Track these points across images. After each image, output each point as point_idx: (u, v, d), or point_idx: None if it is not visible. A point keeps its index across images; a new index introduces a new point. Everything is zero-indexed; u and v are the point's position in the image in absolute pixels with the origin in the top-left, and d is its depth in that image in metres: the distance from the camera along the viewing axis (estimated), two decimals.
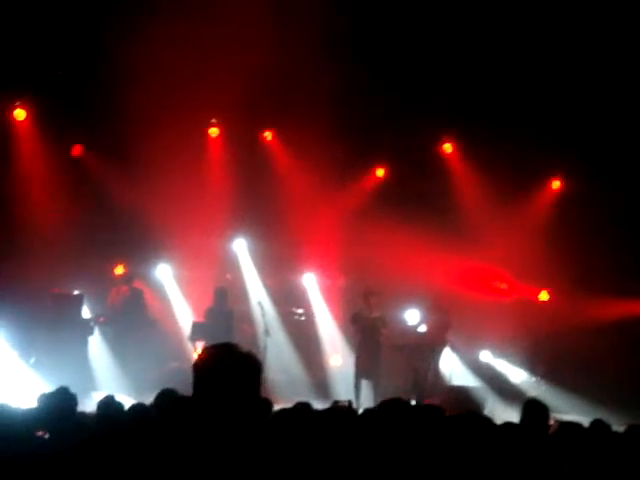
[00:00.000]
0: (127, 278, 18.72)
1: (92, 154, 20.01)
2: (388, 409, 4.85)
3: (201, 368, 4.12)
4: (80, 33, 18.43)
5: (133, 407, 7.59)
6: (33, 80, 18.65)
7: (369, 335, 17.36)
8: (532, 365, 19.61)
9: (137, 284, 18.85)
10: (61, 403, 7.06)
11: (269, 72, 18.12)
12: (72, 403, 7.22)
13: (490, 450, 4.78)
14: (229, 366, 4.06)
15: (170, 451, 4.10)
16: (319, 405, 6.59)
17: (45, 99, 18.94)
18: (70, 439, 5.85)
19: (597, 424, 7.44)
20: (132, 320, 17.93)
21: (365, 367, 17.25)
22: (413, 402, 14.82)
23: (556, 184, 20.57)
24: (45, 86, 18.83)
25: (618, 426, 7.60)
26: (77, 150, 19.95)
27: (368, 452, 4.68)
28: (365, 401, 16.36)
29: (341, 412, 5.70)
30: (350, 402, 6.87)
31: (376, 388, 16.80)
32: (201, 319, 18.33)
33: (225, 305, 18.29)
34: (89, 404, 11.21)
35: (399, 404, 4.91)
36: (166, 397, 7.49)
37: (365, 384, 17.29)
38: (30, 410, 7.39)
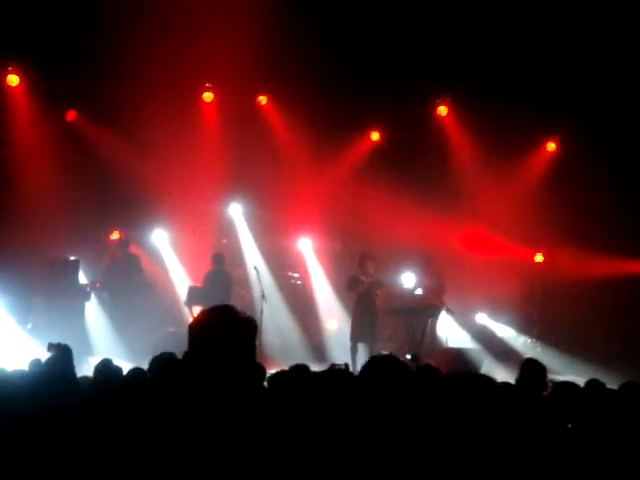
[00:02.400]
0: (123, 243, 18.71)
1: (86, 119, 19.91)
2: (380, 366, 4.84)
3: (197, 329, 4.13)
4: None
5: (131, 371, 7.61)
6: (26, 46, 18.55)
7: (365, 299, 17.40)
8: (527, 326, 19.68)
9: (133, 249, 18.84)
10: (58, 365, 7.08)
11: (263, 37, 18.05)
12: (69, 365, 7.23)
13: (488, 409, 4.79)
14: (225, 328, 4.07)
15: (166, 414, 4.10)
16: (316, 369, 6.59)
17: (38, 64, 18.83)
18: (66, 402, 5.86)
19: (592, 384, 7.47)
20: (128, 285, 17.95)
21: (361, 330, 17.28)
22: (410, 361, 14.85)
23: (551, 146, 20.52)
24: (38, 51, 18.72)
25: (613, 385, 7.62)
26: (71, 115, 19.86)
27: (365, 412, 4.69)
28: (360, 365, 16.39)
29: (338, 374, 5.71)
30: (347, 365, 6.87)
31: (372, 352, 16.81)
32: (198, 284, 18.36)
33: (223, 270, 18.33)
34: (86, 369, 11.23)
35: (390, 361, 4.91)
36: (163, 361, 7.50)
37: (361, 348, 17.33)
38: (27, 373, 7.40)
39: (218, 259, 18.36)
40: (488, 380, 4.95)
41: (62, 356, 7.19)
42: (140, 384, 7.06)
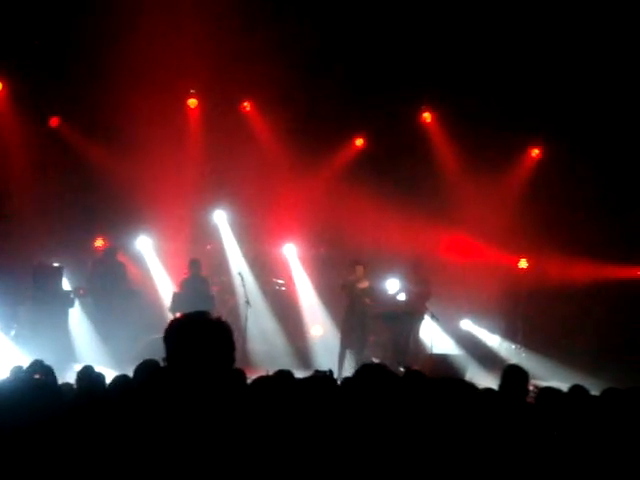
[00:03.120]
0: (109, 251, 18.71)
1: (70, 125, 19.89)
2: (367, 375, 4.86)
3: (168, 337, 4.15)
4: (57, 3, 18.31)
5: (116, 378, 7.60)
6: (9, 51, 18.52)
7: (356, 306, 17.39)
8: (512, 332, 19.72)
9: (120, 257, 18.82)
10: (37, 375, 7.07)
11: (247, 43, 18.08)
12: (48, 376, 7.21)
13: (470, 415, 4.81)
14: (194, 333, 4.10)
15: (150, 421, 4.11)
16: (300, 374, 6.59)
17: (22, 70, 18.80)
18: (47, 410, 5.85)
19: (576, 389, 7.50)
20: (113, 292, 17.91)
21: (351, 337, 17.27)
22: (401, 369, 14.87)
23: (535, 152, 20.59)
24: (21, 57, 18.69)
25: (596, 391, 7.65)
26: (54, 122, 19.82)
27: (349, 417, 4.70)
28: (346, 371, 16.42)
29: (321, 380, 5.72)
30: (330, 371, 6.88)
31: (359, 358, 16.82)
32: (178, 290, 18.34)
33: (200, 276, 18.29)
34: (70, 376, 11.20)
35: (378, 370, 4.93)
36: (147, 369, 7.48)
37: (348, 354, 17.33)
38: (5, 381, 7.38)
39: (194, 265, 18.31)
40: (469, 386, 4.97)
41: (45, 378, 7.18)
42: (125, 391, 7.04)
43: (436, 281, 18.56)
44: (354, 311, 17.39)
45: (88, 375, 7.61)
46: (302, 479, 4.33)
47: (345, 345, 17.31)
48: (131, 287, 18.69)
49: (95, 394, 6.96)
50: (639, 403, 6.81)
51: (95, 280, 18.15)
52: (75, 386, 7.83)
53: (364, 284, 17.43)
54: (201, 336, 4.10)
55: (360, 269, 17.44)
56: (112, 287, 17.92)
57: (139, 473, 3.94)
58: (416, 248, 19.12)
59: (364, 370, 4.95)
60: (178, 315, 17.29)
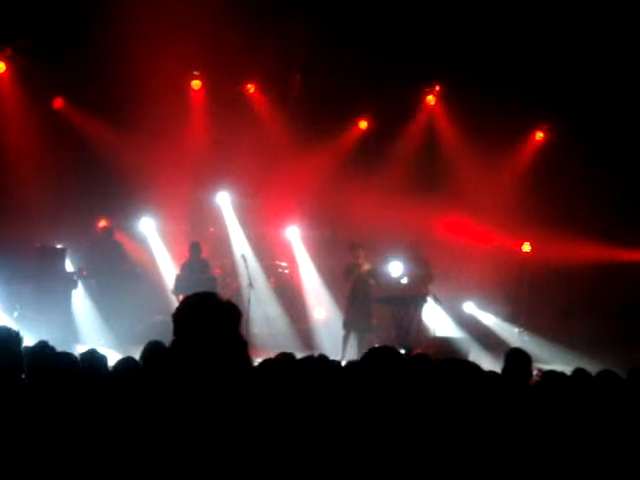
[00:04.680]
0: (106, 231, 18.70)
1: (74, 107, 19.86)
2: (376, 358, 4.85)
3: (179, 317, 4.14)
4: None
5: (123, 360, 7.59)
6: (12, 33, 18.48)
7: (360, 288, 17.40)
8: (515, 316, 19.72)
9: (119, 236, 18.81)
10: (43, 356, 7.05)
11: (250, 24, 18.04)
12: (53, 356, 7.21)
13: (476, 397, 4.81)
14: (206, 314, 4.09)
15: (157, 403, 4.11)
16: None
17: (25, 52, 18.76)
18: (51, 391, 5.86)
19: (579, 373, 7.49)
20: (115, 273, 17.91)
21: (355, 319, 17.28)
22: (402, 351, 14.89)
23: (539, 135, 20.57)
24: (25, 39, 18.65)
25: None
26: (58, 103, 19.80)
27: (355, 400, 4.71)
28: (349, 354, 16.46)
29: (322, 362, 5.73)
30: (323, 355, 6.87)
31: (362, 341, 16.84)
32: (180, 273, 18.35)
33: (200, 258, 18.27)
34: None
35: (387, 352, 4.92)
36: (154, 350, 7.48)
37: (351, 336, 17.35)
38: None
39: (194, 248, 18.29)
40: (474, 367, 4.97)
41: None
42: (132, 373, 7.05)
43: (439, 264, 18.58)
44: (357, 294, 17.40)
45: (91, 357, 7.59)
46: (307, 461, 4.34)
47: (349, 328, 17.32)
48: (132, 267, 18.70)
49: (98, 376, 6.96)
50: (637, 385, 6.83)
51: (94, 261, 18.15)
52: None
53: (366, 266, 17.43)
54: (212, 317, 4.10)
55: (360, 252, 17.43)
56: (112, 268, 17.91)
57: (146, 454, 3.95)
58: (417, 231, 19.11)
59: (373, 353, 4.94)
60: (182, 297, 17.34)
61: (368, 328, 17.39)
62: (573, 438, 5.80)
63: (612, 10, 17.93)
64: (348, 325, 17.35)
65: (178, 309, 4.20)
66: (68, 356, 6.82)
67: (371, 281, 17.42)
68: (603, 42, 18.29)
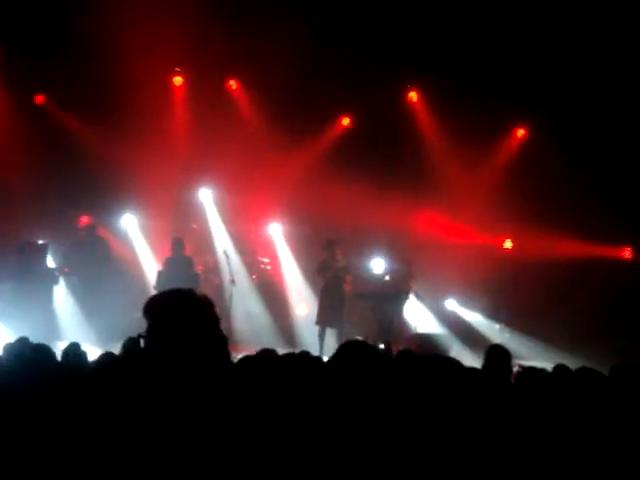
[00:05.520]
0: (89, 228, 18.63)
1: (55, 103, 19.81)
2: (349, 351, 4.87)
3: (148, 313, 4.16)
4: None
5: (103, 356, 7.60)
6: None
7: (333, 284, 17.47)
8: (496, 312, 19.77)
9: (102, 233, 18.77)
10: (22, 353, 7.07)
11: (233, 20, 18.03)
12: (33, 352, 7.21)
13: (456, 392, 4.84)
14: (176, 308, 4.10)
15: (134, 398, 4.11)
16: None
17: (7, 47, 18.69)
18: (32, 386, 5.86)
19: (559, 369, 7.53)
20: (97, 270, 17.86)
21: (329, 315, 17.35)
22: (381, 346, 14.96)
23: (520, 132, 20.63)
24: (7, 34, 18.59)
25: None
26: (40, 99, 19.76)
27: (333, 396, 4.72)
28: (330, 350, 16.48)
29: (303, 358, 5.74)
30: (305, 352, 6.90)
31: (341, 337, 16.87)
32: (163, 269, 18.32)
33: (182, 255, 18.24)
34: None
35: (359, 346, 4.94)
36: (132, 345, 7.49)
37: (330, 333, 17.38)
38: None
39: (177, 244, 18.24)
40: (455, 363, 5.00)
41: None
42: (110, 368, 7.05)
43: (422, 261, 18.61)
44: (331, 291, 17.47)
45: (73, 352, 7.61)
46: (286, 456, 4.35)
47: (323, 324, 17.38)
48: (114, 264, 18.66)
49: (79, 371, 6.96)
50: (618, 382, 6.87)
51: (76, 257, 18.07)
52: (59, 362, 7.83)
53: (342, 263, 17.52)
54: (181, 311, 4.11)
55: (336, 248, 17.52)
56: (94, 264, 17.85)
57: (122, 450, 3.95)
58: (401, 228, 19.17)
59: (346, 347, 4.96)
60: None
61: (343, 324, 17.44)
62: (552, 434, 5.83)
63: (589, 7, 17.98)
64: (321, 322, 17.41)
65: (146, 305, 4.22)
66: (45, 350, 6.82)
67: (347, 278, 17.50)
68: (582, 39, 18.34)
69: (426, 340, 16.39)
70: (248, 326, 18.64)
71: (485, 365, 8.06)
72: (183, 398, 3.98)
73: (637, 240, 19.72)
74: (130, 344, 7.51)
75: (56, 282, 17.63)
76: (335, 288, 17.47)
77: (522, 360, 14.04)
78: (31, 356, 6.85)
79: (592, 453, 5.65)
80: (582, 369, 7.16)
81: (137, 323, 15.07)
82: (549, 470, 5.36)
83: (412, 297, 17.73)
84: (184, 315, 4.09)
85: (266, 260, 20.59)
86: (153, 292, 17.78)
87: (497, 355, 8.18)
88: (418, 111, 20.83)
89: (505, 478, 5.04)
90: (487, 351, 8.29)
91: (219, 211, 20.61)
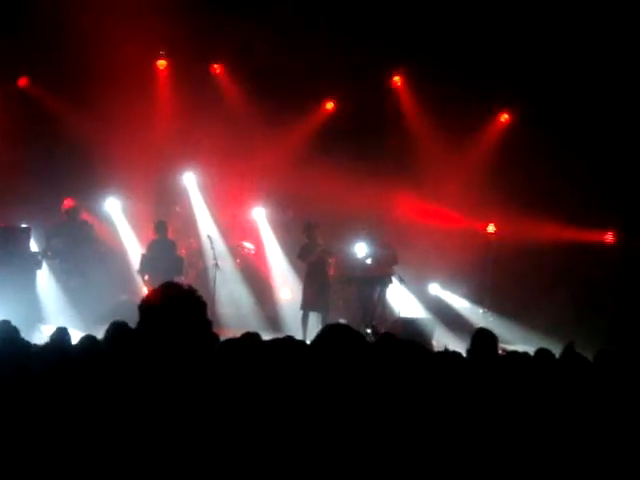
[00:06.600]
0: (73, 211, 18.51)
1: (39, 86, 19.72)
2: (331, 335, 4.87)
3: (146, 308, 4.16)
4: None
5: (84, 339, 7.58)
6: None
7: (316, 268, 17.50)
8: (480, 296, 19.83)
9: (85, 216, 18.67)
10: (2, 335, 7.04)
11: (216, 4, 17.97)
12: (14, 334, 7.19)
13: (435, 378, 4.85)
14: (172, 303, 4.12)
15: (121, 383, 4.11)
16: (268, 338, 6.60)
17: None
18: (15, 370, 5.85)
19: (542, 353, 7.55)
20: (81, 253, 17.79)
21: (313, 299, 17.37)
22: (368, 331, 15.03)
23: (504, 117, 20.65)
24: None
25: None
26: (23, 82, 19.67)
27: (316, 380, 4.72)
28: (313, 335, 16.46)
29: (287, 342, 5.73)
30: (289, 336, 6.89)
31: (325, 321, 16.88)
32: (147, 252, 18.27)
33: (166, 238, 18.16)
34: (37, 337, 11.15)
35: (342, 329, 4.94)
36: (116, 330, 7.47)
37: (313, 318, 17.40)
38: None
39: (160, 227, 18.15)
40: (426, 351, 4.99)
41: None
42: (94, 353, 7.03)
43: (405, 245, 18.63)
44: (316, 274, 17.50)
45: (61, 336, 7.59)
46: (269, 440, 4.35)
47: (307, 308, 17.40)
48: (98, 247, 18.57)
49: (65, 356, 6.94)
50: (603, 366, 6.90)
51: (59, 241, 17.97)
52: (44, 345, 7.81)
53: (321, 246, 17.56)
54: (177, 305, 4.13)
55: (315, 231, 17.57)
56: (78, 247, 17.76)
57: (107, 437, 3.95)
58: (384, 212, 19.21)
59: (328, 330, 4.96)
60: (147, 277, 17.31)
61: (327, 308, 17.46)
62: (535, 418, 5.85)
63: None
64: (306, 307, 17.43)
65: (143, 301, 4.24)
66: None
67: (330, 260, 17.55)
68: (565, 25, 18.37)
69: (409, 324, 16.38)
70: (232, 310, 18.67)
71: (471, 349, 8.08)
72: (167, 382, 3.98)
73: (620, 224, 19.79)
74: (114, 329, 7.48)
75: (39, 266, 17.53)
76: (319, 272, 17.50)
77: (505, 344, 14.10)
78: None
79: (576, 436, 5.68)
80: (565, 352, 7.19)
81: (121, 306, 15.03)
82: (533, 454, 5.38)
83: (395, 281, 17.73)
84: (177, 315, 4.12)
85: (250, 244, 20.56)
86: (136, 276, 17.79)
87: (483, 339, 8.20)
88: (402, 95, 20.82)
89: (488, 461, 5.05)
90: (473, 335, 8.31)
91: (203, 195, 20.57)
